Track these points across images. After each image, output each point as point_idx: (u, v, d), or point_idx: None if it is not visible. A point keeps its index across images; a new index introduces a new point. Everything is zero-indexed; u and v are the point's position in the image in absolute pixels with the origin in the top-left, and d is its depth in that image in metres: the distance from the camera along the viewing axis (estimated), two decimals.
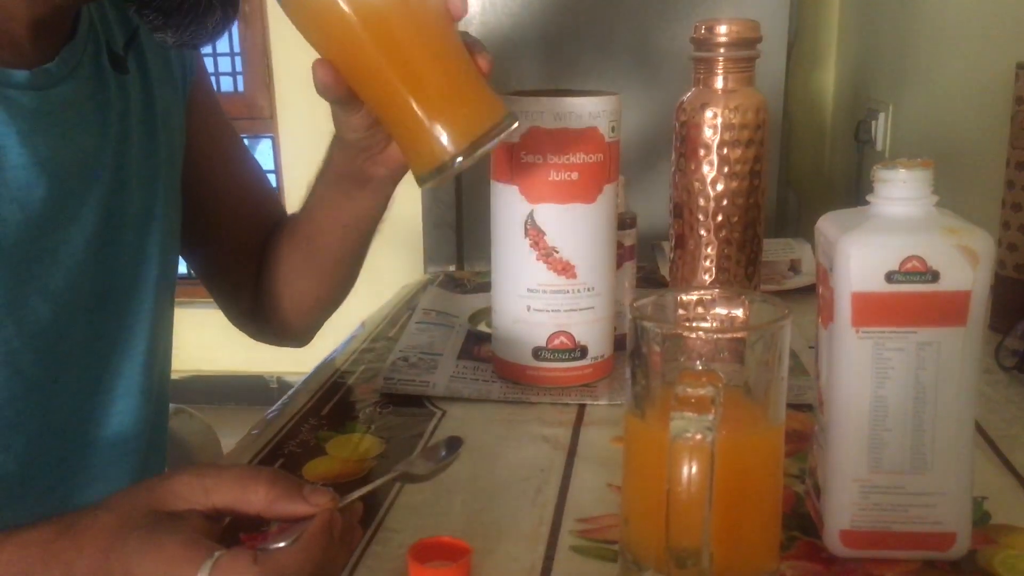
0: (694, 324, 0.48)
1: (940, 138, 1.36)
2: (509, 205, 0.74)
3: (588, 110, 0.72)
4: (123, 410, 0.68)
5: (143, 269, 0.69)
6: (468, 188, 1.63)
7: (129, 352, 0.68)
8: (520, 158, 0.72)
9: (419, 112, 0.54)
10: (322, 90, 0.56)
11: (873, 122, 1.62)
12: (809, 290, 0.95)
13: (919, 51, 1.49)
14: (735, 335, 0.46)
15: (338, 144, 0.67)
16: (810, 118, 1.98)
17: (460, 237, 1.68)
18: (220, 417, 1.41)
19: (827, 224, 0.52)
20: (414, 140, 0.56)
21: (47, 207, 0.59)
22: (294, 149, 2.47)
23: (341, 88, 0.56)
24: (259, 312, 0.83)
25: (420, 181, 0.57)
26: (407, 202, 2.41)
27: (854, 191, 1.71)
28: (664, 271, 1.04)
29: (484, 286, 1.00)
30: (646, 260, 1.04)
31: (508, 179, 0.73)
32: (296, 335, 0.85)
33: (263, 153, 2.54)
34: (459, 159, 0.54)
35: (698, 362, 0.45)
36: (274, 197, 0.87)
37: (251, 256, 0.82)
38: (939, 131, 1.38)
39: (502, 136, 0.55)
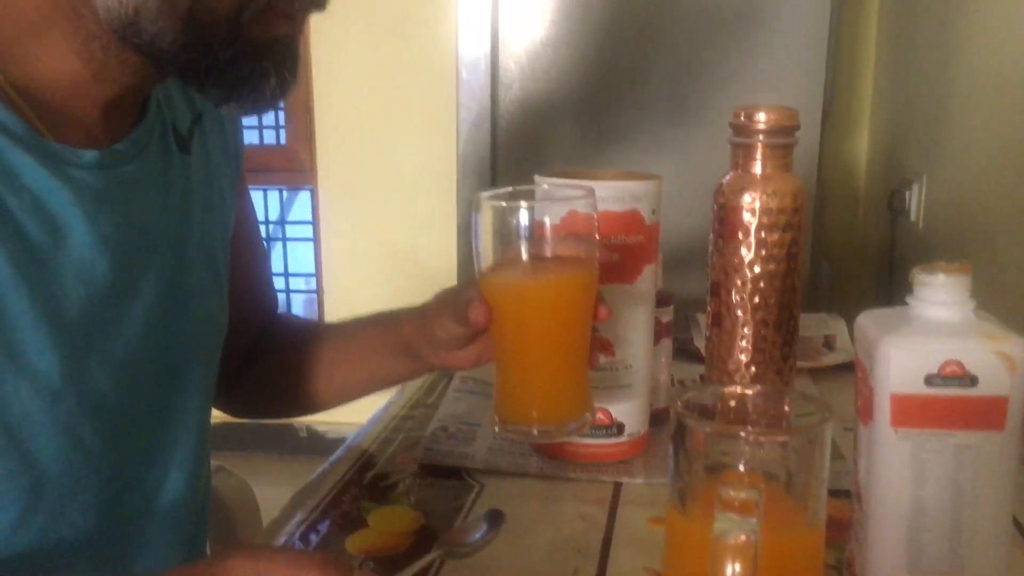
0: (736, 424, 0.49)
1: (975, 211, 1.37)
2: None
3: (630, 193, 0.74)
4: (179, 477, 0.70)
5: (200, 340, 0.71)
6: None
7: (185, 421, 0.70)
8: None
9: (527, 385, 0.64)
10: (470, 322, 0.64)
11: (907, 192, 1.63)
12: (844, 368, 0.96)
13: (953, 123, 1.50)
14: (776, 439, 0.47)
15: (417, 324, 0.73)
16: (843, 185, 2.00)
17: None
18: (251, 466, 1.43)
19: (867, 323, 0.53)
20: (509, 398, 0.65)
21: (109, 282, 0.61)
22: (331, 200, 2.52)
23: (484, 329, 0.64)
24: (240, 394, 0.87)
25: (496, 424, 0.66)
26: (442, 258, 2.43)
27: (887, 261, 1.71)
28: (699, 343, 1.05)
29: None
30: (681, 330, 1.05)
31: None
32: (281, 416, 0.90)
33: (302, 203, 2.59)
34: (534, 434, 0.65)
35: (740, 457, 0.47)
36: (274, 293, 0.92)
37: (240, 338, 0.84)
38: (974, 204, 1.38)
39: (573, 432, 0.65)
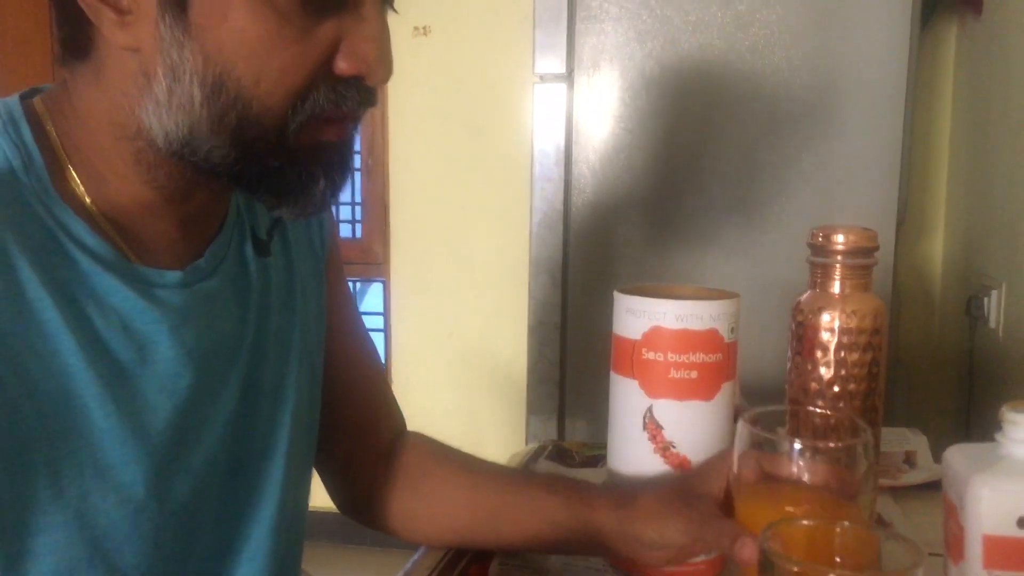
0: (823, 561, 0.49)
1: None
2: (628, 398, 0.77)
3: (709, 313, 0.75)
4: (250, 572, 0.71)
5: (275, 437, 0.72)
6: (572, 347, 1.67)
7: (258, 516, 0.71)
8: (641, 354, 0.76)
9: None
10: (736, 559, 0.62)
11: (986, 299, 1.60)
12: (927, 487, 0.94)
13: None
14: None
15: (618, 513, 0.71)
16: (918, 289, 1.97)
17: (563, 393, 1.71)
18: (318, 555, 1.44)
19: (956, 459, 0.52)
20: None
21: (193, 393, 0.63)
22: (403, 292, 2.58)
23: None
24: (378, 508, 0.86)
25: None
26: (512, 352, 2.43)
27: (966, 369, 1.67)
28: None
29: (591, 460, 1.02)
30: None
31: (629, 373, 0.76)
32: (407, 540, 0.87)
33: (374, 294, 2.65)
34: None
35: None
36: (392, 399, 0.91)
37: (368, 446, 0.85)
38: None
39: None
